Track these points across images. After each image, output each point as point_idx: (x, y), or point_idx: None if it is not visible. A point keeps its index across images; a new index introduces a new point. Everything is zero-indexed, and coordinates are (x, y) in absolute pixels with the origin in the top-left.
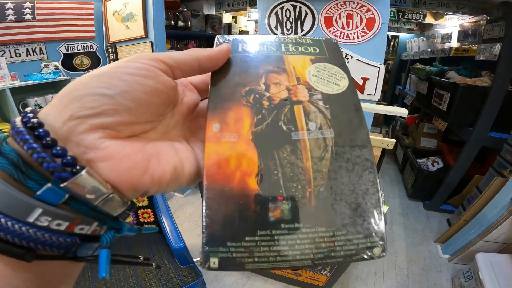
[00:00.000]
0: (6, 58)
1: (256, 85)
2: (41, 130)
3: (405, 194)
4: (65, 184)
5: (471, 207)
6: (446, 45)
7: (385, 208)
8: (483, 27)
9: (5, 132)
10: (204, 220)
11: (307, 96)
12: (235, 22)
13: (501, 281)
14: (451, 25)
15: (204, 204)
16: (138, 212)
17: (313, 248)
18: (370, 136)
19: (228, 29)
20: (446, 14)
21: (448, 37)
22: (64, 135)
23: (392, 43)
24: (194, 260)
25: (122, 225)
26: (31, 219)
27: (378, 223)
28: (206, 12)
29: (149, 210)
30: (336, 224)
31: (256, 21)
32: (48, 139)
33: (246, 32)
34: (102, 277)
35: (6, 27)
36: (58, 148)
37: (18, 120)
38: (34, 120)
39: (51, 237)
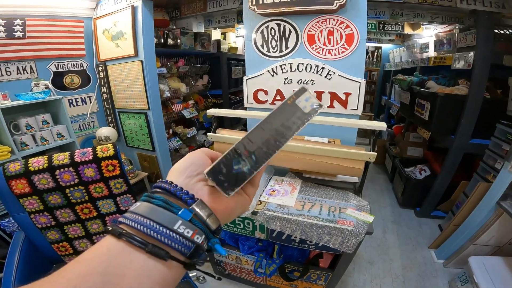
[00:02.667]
0: None
1: None
2: (173, 183)
3: (396, 203)
4: (192, 206)
5: (459, 212)
6: (425, 55)
7: (371, 218)
8: (456, 36)
9: None
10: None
11: None
12: (224, 38)
13: (496, 283)
14: (428, 35)
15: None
16: None
17: None
18: (353, 151)
19: (217, 45)
20: (423, 24)
21: (426, 46)
22: (183, 185)
23: (375, 54)
24: (190, 275)
25: (216, 240)
26: (175, 227)
27: None
28: (195, 30)
29: None
30: None
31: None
32: (178, 187)
33: (235, 49)
34: (224, 253)
35: None
36: (184, 190)
37: (158, 183)
38: (169, 181)
39: (183, 240)
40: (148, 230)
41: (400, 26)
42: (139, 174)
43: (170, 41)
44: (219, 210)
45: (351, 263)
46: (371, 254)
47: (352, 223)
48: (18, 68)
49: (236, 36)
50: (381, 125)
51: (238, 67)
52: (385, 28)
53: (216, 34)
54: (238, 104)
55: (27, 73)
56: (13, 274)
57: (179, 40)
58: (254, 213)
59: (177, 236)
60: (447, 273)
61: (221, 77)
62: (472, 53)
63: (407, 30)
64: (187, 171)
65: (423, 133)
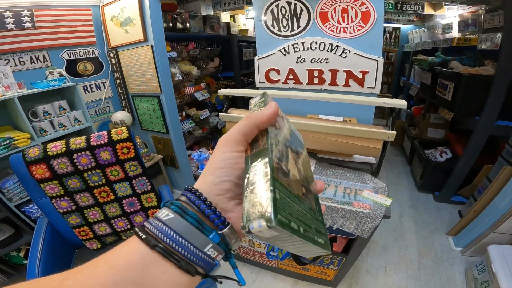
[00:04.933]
0: (11, 66)
1: None
2: (207, 201)
3: (414, 186)
4: (222, 231)
5: (481, 198)
6: (448, 35)
7: (389, 201)
8: (482, 17)
9: (17, 139)
10: None
11: None
12: (234, 21)
13: None
14: (451, 15)
15: None
16: (148, 212)
17: None
18: (371, 129)
19: (227, 28)
20: (445, 5)
21: (448, 27)
22: (215, 203)
23: (393, 35)
24: None
25: (232, 257)
26: (205, 249)
27: None
28: (203, 13)
29: (158, 210)
30: None
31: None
32: (212, 207)
33: (245, 31)
34: (244, 283)
35: (7, 36)
36: (217, 212)
37: (189, 194)
38: (202, 197)
39: (209, 260)
40: (183, 251)
41: (420, 6)
42: (154, 157)
43: (179, 25)
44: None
45: (365, 248)
46: (386, 239)
47: (369, 206)
48: (31, 58)
49: (246, 18)
50: (401, 103)
51: (249, 49)
52: (404, 8)
53: (225, 17)
54: (250, 85)
55: (41, 62)
56: (37, 259)
57: (188, 24)
58: None
59: (206, 257)
60: (464, 261)
61: (232, 59)
62: (499, 34)
63: (428, 10)
64: (219, 186)
65: (445, 114)
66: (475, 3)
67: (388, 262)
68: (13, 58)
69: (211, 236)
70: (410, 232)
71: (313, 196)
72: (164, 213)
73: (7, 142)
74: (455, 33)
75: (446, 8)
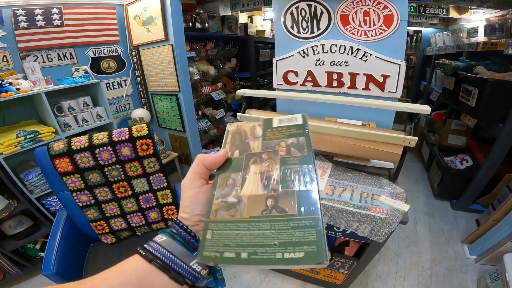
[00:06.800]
0: (39, 63)
1: None
2: (188, 229)
3: (431, 193)
4: None
5: (501, 207)
6: (473, 39)
7: (406, 207)
8: (510, 21)
9: (42, 133)
10: None
11: None
12: (251, 21)
13: None
14: (477, 19)
15: None
16: (163, 209)
17: None
18: (391, 134)
19: (245, 29)
20: (471, 8)
21: (474, 31)
22: (193, 225)
23: (414, 38)
24: None
25: (216, 272)
26: (191, 263)
27: None
28: (222, 13)
29: (173, 207)
30: None
31: (272, 20)
32: (192, 233)
33: (262, 32)
34: None
35: (36, 33)
36: (197, 237)
37: (175, 225)
38: (184, 226)
39: (195, 273)
40: (174, 265)
41: (444, 10)
42: (170, 154)
43: (198, 25)
44: None
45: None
46: (398, 245)
47: (386, 211)
48: (59, 55)
49: (263, 19)
50: (424, 109)
51: (266, 50)
52: (426, 11)
53: (243, 18)
54: (266, 86)
55: (68, 59)
56: (54, 252)
57: (206, 24)
58: None
59: (192, 270)
60: (477, 269)
61: (249, 60)
62: None
63: (452, 14)
64: (192, 217)
65: (467, 120)
66: (502, 7)
67: (399, 268)
68: (42, 55)
69: (194, 254)
70: (424, 239)
71: (300, 194)
72: (159, 237)
73: (33, 135)
74: (481, 37)
75: (472, 12)
